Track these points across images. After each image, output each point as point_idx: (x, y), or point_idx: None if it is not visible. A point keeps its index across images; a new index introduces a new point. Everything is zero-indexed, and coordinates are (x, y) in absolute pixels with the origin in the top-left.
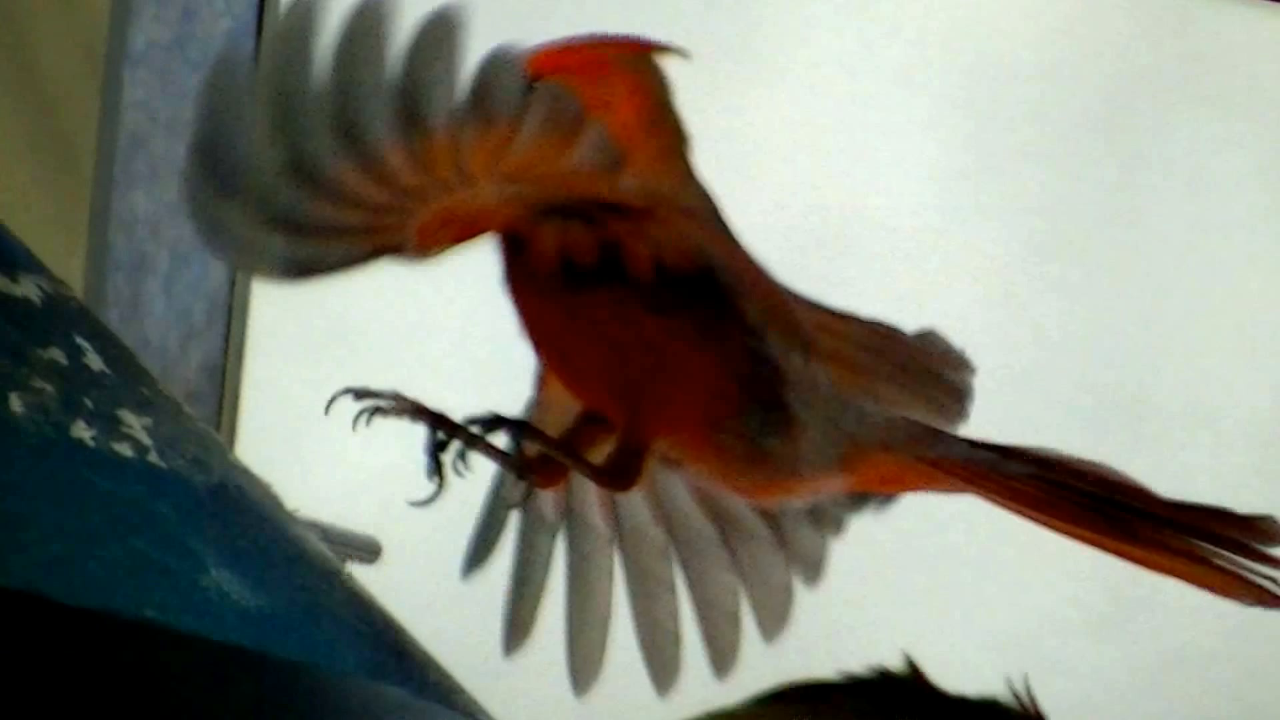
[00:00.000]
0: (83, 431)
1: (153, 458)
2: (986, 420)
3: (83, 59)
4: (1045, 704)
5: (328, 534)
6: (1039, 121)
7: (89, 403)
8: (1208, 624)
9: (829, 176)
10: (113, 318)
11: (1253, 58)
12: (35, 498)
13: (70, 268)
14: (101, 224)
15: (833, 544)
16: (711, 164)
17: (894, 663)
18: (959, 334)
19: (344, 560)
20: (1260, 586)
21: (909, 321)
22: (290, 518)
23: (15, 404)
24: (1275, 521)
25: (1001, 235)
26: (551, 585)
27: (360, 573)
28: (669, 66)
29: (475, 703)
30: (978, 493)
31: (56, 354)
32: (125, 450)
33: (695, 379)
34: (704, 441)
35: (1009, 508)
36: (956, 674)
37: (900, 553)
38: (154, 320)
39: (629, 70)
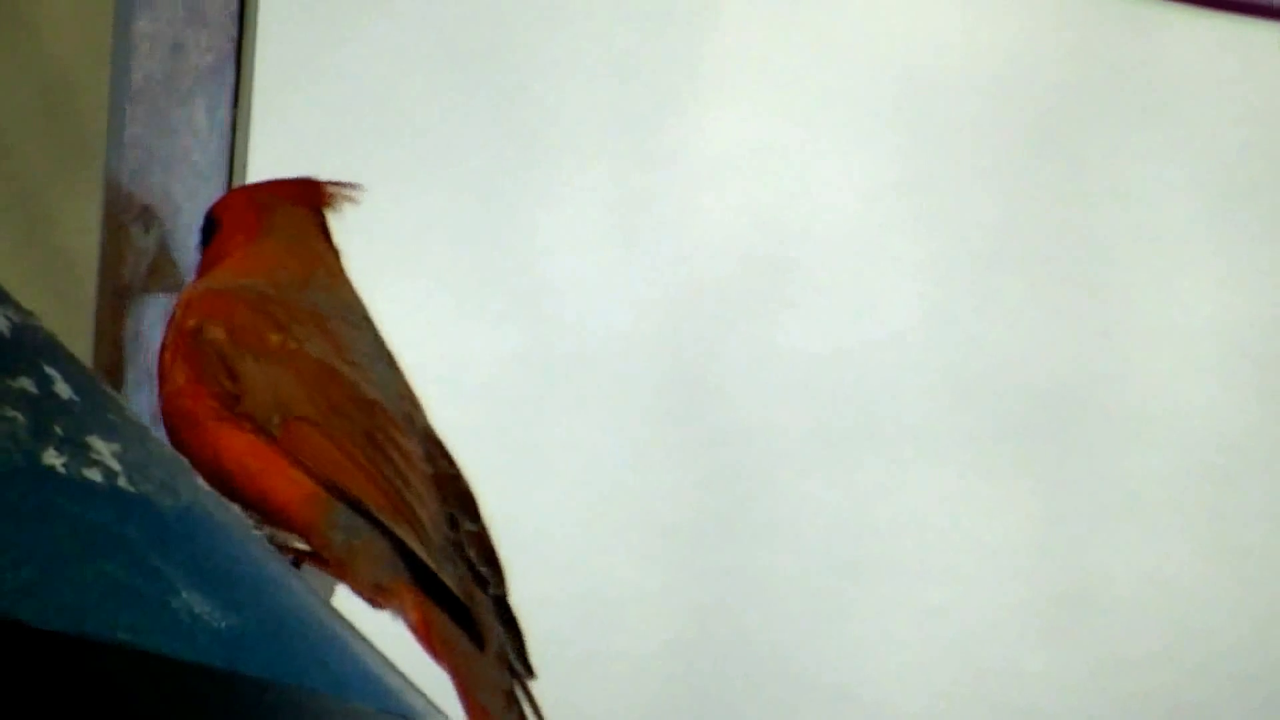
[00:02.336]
0: (53, 458)
1: (122, 483)
2: (931, 434)
3: (95, 91)
4: (992, 709)
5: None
6: (979, 135)
7: (59, 430)
8: (1151, 627)
9: (773, 195)
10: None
11: (1190, 67)
12: (6, 524)
13: (82, 301)
14: (111, 258)
15: (769, 555)
16: (657, 184)
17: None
18: (900, 345)
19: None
20: None
21: (856, 336)
22: (258, 539)
23: None
24: None
25: (945, 249)
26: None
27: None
28: None
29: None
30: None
31: (26, 383)
32: (95, 476)
33: None
34: None
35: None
36: (904, 680)
37: (843, 560)
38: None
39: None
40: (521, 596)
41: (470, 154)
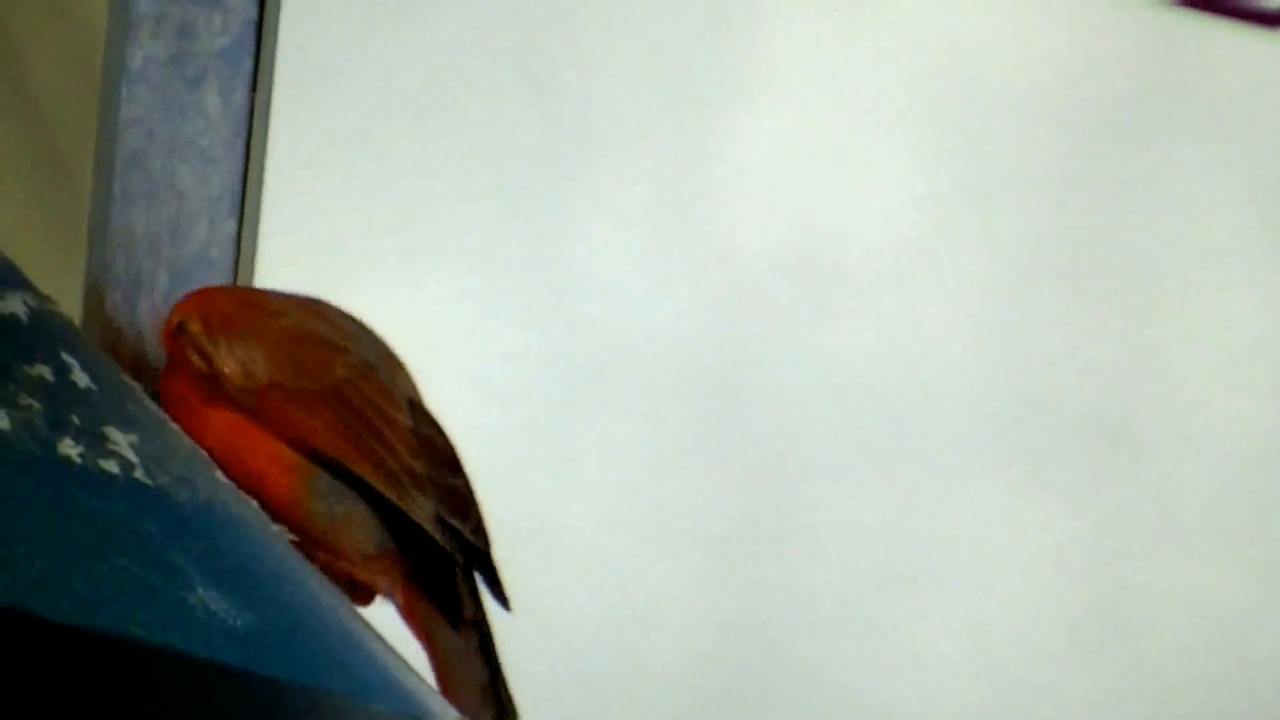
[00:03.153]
0: (69, 449)
1: (139, 475)
2: (971, 447)
3: (80, 77)
4: None
5: None
6: (1028, 145)
7: (75, 419)
8: (1192, 649)
9: (815, 201)
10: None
11: (1242, 81)
12: (21, 515)
13: (70, 285)
14: (100, 242)
15: (806, 567)
16: (698, 187)
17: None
18: (942, 357)
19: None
20: None
21: (898, 346)
22: (277, 536)
23: (2, 421)
24: None
25: (987, 260)
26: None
27: None
28: None
29: None
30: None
31: (43, 370)
32: (111, 467)
33: None
34: None
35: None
36: (939, 696)
37: (879, 572)
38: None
39: None
40: (545, 601)
41: (507, 151)
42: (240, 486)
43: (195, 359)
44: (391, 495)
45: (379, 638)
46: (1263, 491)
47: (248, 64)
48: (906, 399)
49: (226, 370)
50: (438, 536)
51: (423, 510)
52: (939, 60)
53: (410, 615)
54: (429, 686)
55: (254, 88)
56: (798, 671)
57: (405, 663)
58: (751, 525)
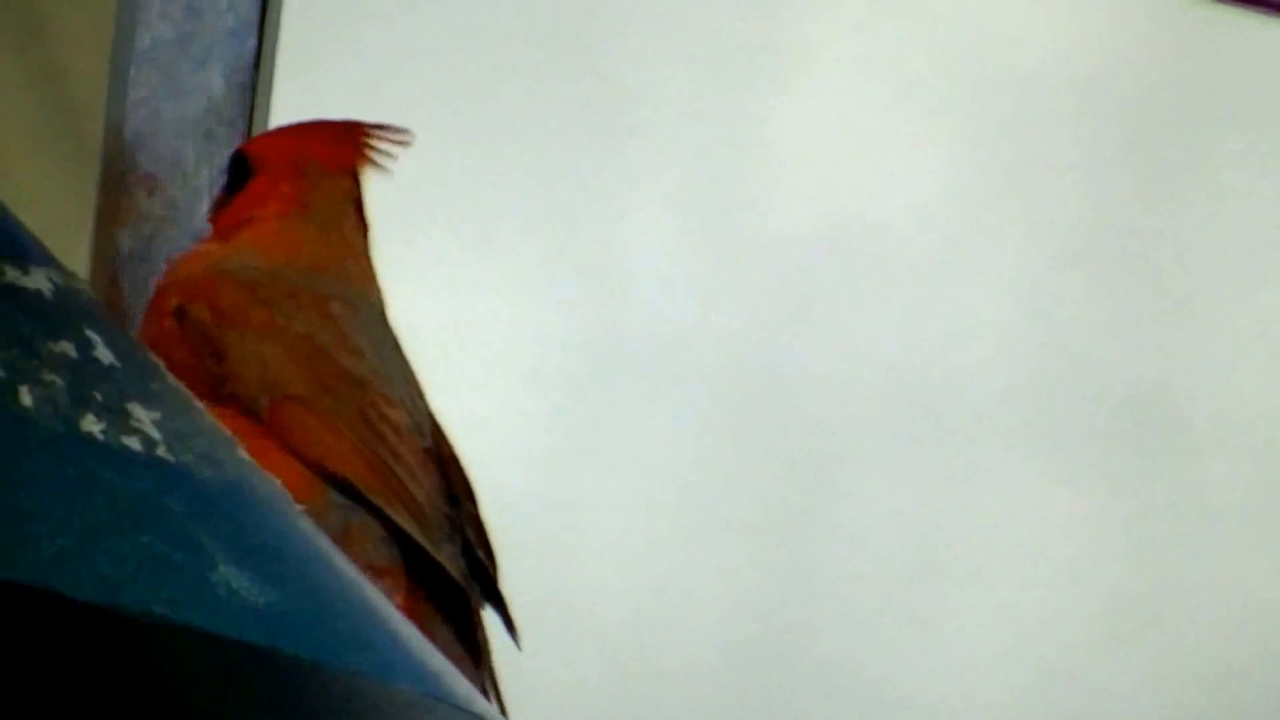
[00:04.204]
0: (92, 425)
1: (162, 452)
2: (1006, 436)
3: (93, 56)
4: (1060, 716)
5: None
6: (1065, 135)
7: (99, 396)
8: (1224, 638)
9: (849, 186)
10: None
11: (1278, 71)
12: (44, 492)
13: (75, 266)
14: (107, 222)
15: (841, 555)
16: (735, 173)
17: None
18: (978, 345)
19: None
20: None
21: (933, 333)
22: (300, 515)
23: (25, 397)
24: None
25: (1024, 248)
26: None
27: None
28: None
29: (490, 708)
30: None
31: (67, 346)
32: (134, 444)
33: None
34: None
35: None
36: (970, 684)
37: (913, 561)
38: None
39: None
40: (578, 589)
41: (546, 138)
42: None
43: (204, 353)
44: (417, 535)
45: (403, 619)
46: None
47: (252, 43)
48: (942, 387)
49: (243, 374)
50: (462, 583)
51: (449, 554)
52: (976, 48)
53: (409, 616)
54: (453, 669)
55: (256, 66)
56: (830, 660)
57: (429, 644)
58: (786, 513)
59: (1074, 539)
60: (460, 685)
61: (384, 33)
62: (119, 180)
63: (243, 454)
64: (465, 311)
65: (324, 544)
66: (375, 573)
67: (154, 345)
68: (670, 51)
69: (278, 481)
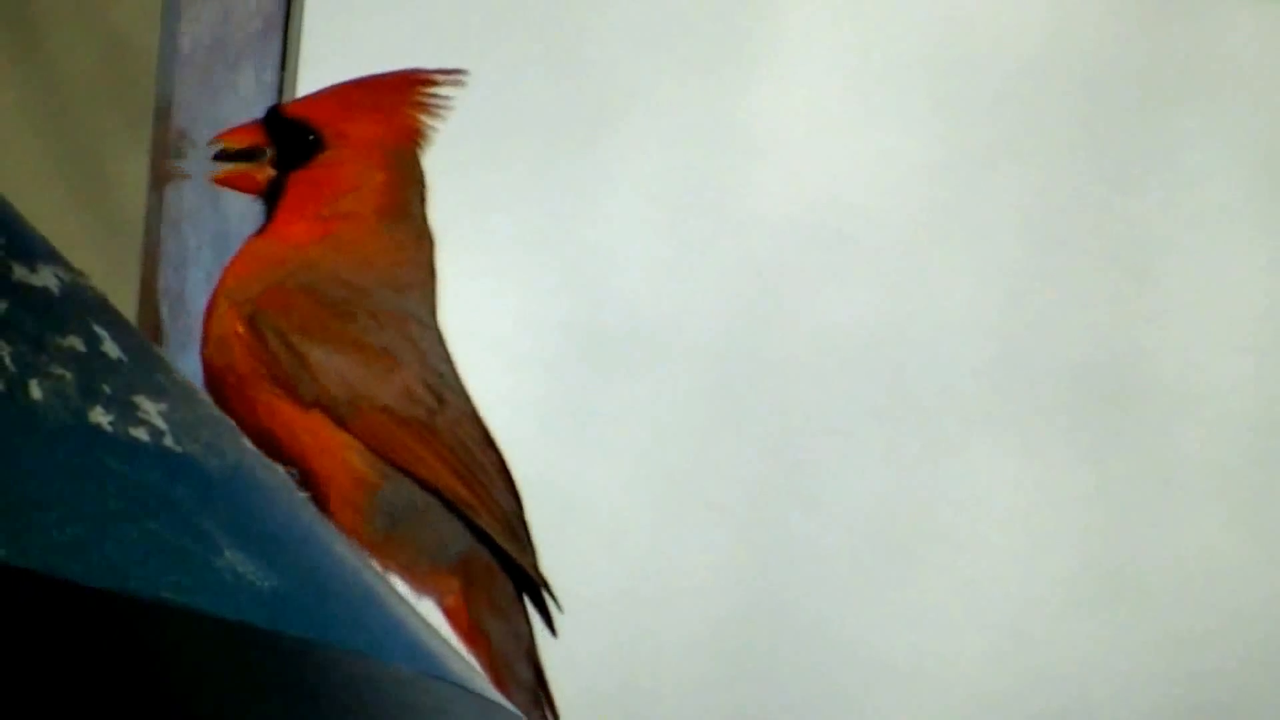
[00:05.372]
0: (100, 417)
1: (168, 442)
2: (979, 411)
3: (120, 63)
4: (1037, 683)
5: None
6: (1029, 115)
7: (106, 389)
8: (1193, 604)
9: (827, 171)
10: (162, 311)
11: (1238, 50)
12: (53, 482)
13: (127, 267)
14: (154, 222)
15: (819, 528)
16: (713, 159)
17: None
18: (952, 324)
19: None
20: None
21: (907, 313)
22: (303, 502)
23: (35, 390)
24: None
25: (994, 228)
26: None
27: None
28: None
29: (487, 686)
30: None
31: (75, 341)
32: (142, 435)
33: None
34: None
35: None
36: (949, 653)
37: (892, 534)
38: (199, 312)
39: None
40: (569, 569)
41: (526, 125)
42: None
43: (283, 358)
44: (511, 549)
45: (404, 601)
46: (1261, 448)
47: (277, 43)
48: (915, 365)
49: (327, 383)
50: (546, 589)
51: (534, 561)
52: (944, 31)
53: (460, 614)
54: (452, 649)
55: (282, 65)
56: (814, 633)
57: (430, 626)
58: (766, 490)
59: (1042, 509)
60: (457, 664)
61: (366, 27)
62: (165, 179)
63: (245, 443)
64: (446, 298)
65: (324, 529)
66: (414, 573)
67: (222, 345)
68: (647, 39)
69: (280, 470)
